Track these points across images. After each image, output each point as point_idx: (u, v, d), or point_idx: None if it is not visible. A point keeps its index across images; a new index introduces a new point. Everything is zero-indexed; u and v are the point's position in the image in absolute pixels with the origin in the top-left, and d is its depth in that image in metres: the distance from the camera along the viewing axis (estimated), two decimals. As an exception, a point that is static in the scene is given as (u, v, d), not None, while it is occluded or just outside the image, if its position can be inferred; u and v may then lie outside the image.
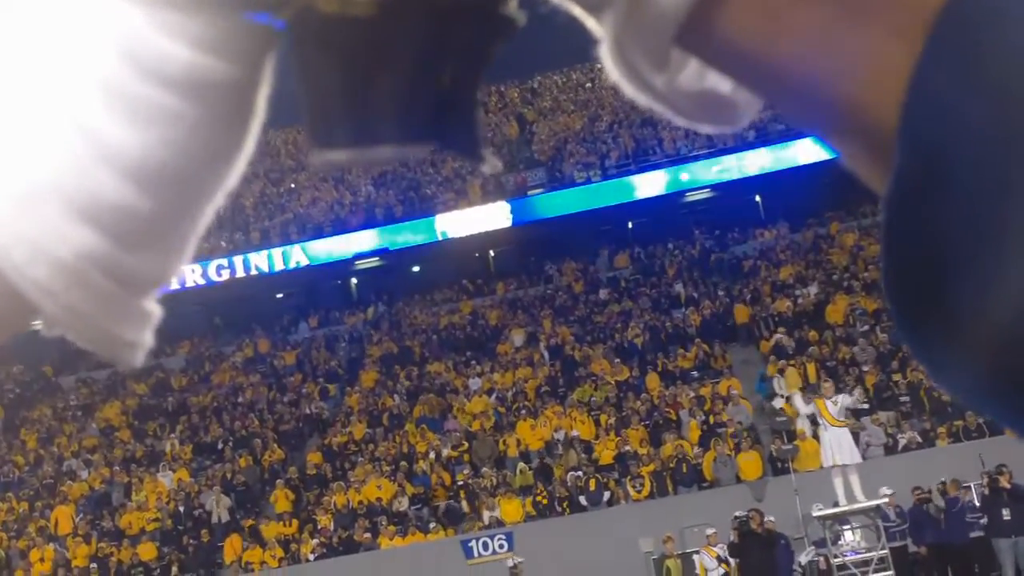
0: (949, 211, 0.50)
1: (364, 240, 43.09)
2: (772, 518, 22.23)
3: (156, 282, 0.78)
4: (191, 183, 0.75)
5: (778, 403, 26.72)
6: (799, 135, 37.52)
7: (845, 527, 22.61)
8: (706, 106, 0.69)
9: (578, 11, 0.68)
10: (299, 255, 43.00)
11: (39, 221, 0.71)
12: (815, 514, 22.35)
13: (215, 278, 41.80)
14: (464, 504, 28.51)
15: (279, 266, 42.88)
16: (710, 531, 23.04)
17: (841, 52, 0.57)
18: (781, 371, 29.76)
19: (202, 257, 40.19)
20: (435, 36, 0.67)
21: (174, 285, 0.80)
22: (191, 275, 40.62)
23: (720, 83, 0.68)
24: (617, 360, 33.40)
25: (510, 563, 23.75)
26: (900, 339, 0.52)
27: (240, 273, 42.54)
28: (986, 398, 0.51)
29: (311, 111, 0.69)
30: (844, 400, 22.62)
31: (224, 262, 42.33)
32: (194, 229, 0.78)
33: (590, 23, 0.68)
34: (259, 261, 42.84)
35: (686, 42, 0.64)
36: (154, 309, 0.79)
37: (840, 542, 22.47)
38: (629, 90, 0.68)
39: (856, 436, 23.64)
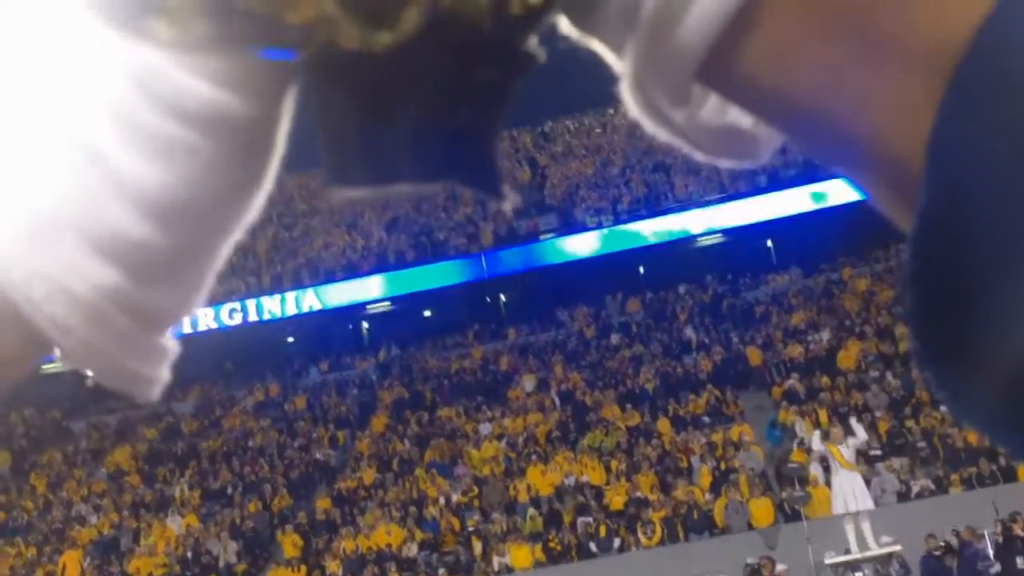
0: (973, 250, 0.50)
1: (378, 285, 43.15)
2: (784, 566, 22.07)
3: (173, 318, 0.77)
4: (209, 219, 0.75)
5: (806, 442, 26.23)
6: (811, 180, 37.69)
7: (856, 574, 22.42)
8: (727, 141, 0.69)
9: (598, 48, 0.68)
10: (312, 299, 43.04)
11: (56, 256, 0.71)
12: (827, 562, 22.18)
13: (227, 322, 41.84)
14: (477, 547, 28.31)
15: (291, 310, 42.92)
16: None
17: (859, 90, 0.57)
18: (802, 414, 29.62)
19: (215, 301, 40.28)
20: (455, 73, 0.67)
21: (187, 329, 0.80)
22: (204, 319, 40.69)
23: (741, 118, 0.68)
24: (628, 405, 33.30)
25: None
26: (923, 382, 0.52)
27: (252, 317, 42.59)
28: (1009, 433, 0.52)
29: (330, 148, 0.68)
30: (854, 441, 22.51)
31: (237, 306, 42.40)
32: (211, 265, 0.78)
33: (610, 60, 0.68)
34: (272, 305, 42.88)
35: (706, 78, 0.64)
36: (171, 345, 0.79)
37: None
38: (649, 126, 0.68)
39: (869, 482, 23.51)
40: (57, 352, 0.75)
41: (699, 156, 0.72)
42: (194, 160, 0.71)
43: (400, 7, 0.62)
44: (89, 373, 0.76)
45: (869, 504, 22.31)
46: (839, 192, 37.91)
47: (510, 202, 0.74)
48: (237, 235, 0.78)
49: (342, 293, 43.23)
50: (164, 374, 0.79)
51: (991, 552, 21.52)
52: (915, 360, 0.55)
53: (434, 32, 0.64)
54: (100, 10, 0.68)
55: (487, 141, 0.70)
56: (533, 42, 0.69)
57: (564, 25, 0.69)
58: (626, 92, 0.67)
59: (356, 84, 0.67)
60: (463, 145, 0.69)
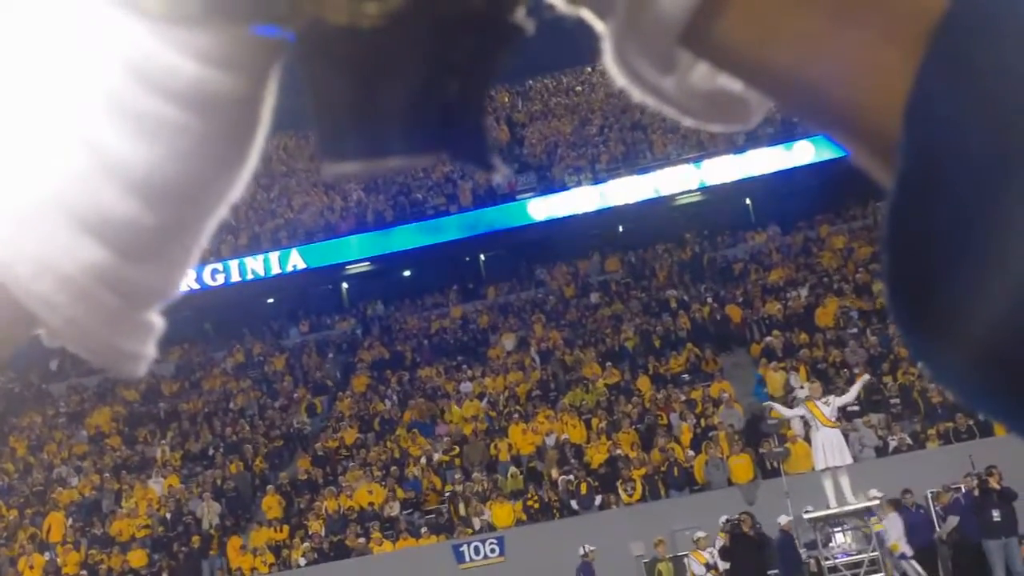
0: (947, 216, 0.51)
1: (366, 244, 43.04)
2: (787, 517, 22.19)
3: (160, 295, 0.78)
4: (196, 196, 0.75)
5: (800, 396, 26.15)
6: (789, 138, 37.70)
7: (835, 529, 22.62)
8: (717, 106, 0.70)
9: (585, 15, 0.68)
10: (296, 259, 42.90)
11: (43, 235, 0.71)
12: (806, 516, 22.36)
13: (210, 282, 41.69)
14: (460, 507, 28.43)
15: (275, 270, 42.78)
16: (699, 535, 23.03)
17: (837, 59, 0.58)
18: (795, 369, 29.75)
19: (196, 262, 40.05)
20: (443, 46, 0.67)
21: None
22: (185, 280, 40.48)
23: (731, 82, 0.68)
24: (608, 364, 33.40)
25: (582, 551, 23.60)
26: (900, 338, 0.54)
27: (235, 277, 42.45)
28: (982, 395, 0.53)
29: (321, 123, 0.68)
30: (836, 401, 22.64)
31: (219, 266, 42.24)
32: (197, 241, 0.78)
33: (597, 26, 0.68)
34: (255, 265, 42.72)
35: (690, 45, 0.64)
36: (156, 321, 0.79)
37: (831, 544, 22.48)
38: (636, 93, 0.68)
39: (847, 438, 23.67)
40: (43, 330, 0.76)
41: (688, 122, 0.72)
42: (182, 138, 0.71)
43: None
44: (75, 350, 0.76)
45: (848, 460, 22.48)
46: (816, 150, 37.99)
47: (500, 174, 0.74)
48: (223, 211, 0.78)
49: (326, 253, 43.10)
50: (150, 350, 0.79)
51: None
52: (892, 321, 0.56)
53: (421, 5, 0.64)
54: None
55: (475, 113, 0.71)
56: (520, 13, 0.69)
57: None
58: (610, 62, 0.67)
59: (345, 59, 0.67)
60: (452, 117, 0.69)
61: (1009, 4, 0.52)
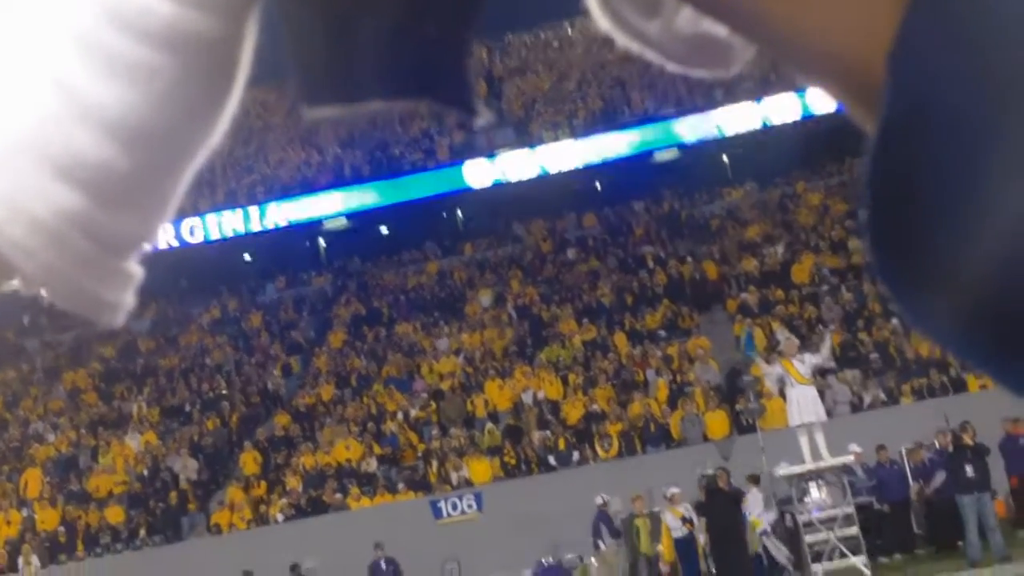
0: (931, 162, 0.51)
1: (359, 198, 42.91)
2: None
3: (137, 242, 0.77)
4: (172, 141, 0.74)
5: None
6: (766, 94, 37.65)
7: (811, 484, 22.76)
8: (701, 50, 0.69)
9: None
10: (276, 215, 42.71)
11: (16, 179, 0.70)
12: (780, 473, 22.49)
13: (186, 238, 41.52)
14: (437, 463, 28.51)
15: (255, 227, 42.59)
16: (673, 491, 23.14)
17: (825, 5, 0.58)
18: (783, 321, 29.82)
19: (173, 217, 39.88)
20: None
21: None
22: (163, 236, 40.30)
23: (715, 27, 0.67)
24: (585, 320, 33.47)
25: (599, 500, 23.66)
26: (876, 294, 0.54)
27: (215, 234, 42.28)
28: (964, 344, 0.53)
29: (299, 67, 0.68)
30: (811, 359, 22.71)
31: (196, 221, 42.03)
32: (175, 189, 0.77)
33: None
34: (234, 222, 42.52)
35: None
36: (135, 270, 0.78)
37: (806, 499, 22.62)
38: (620, 39, 0.67)
39: (822, 394, 23.78)
40: (18, 278, 0.75)
41: (671, 66, 0.71)
42: (158, 81, 0.70)
43: None
44: (51, 298, 0.75)
45: (822, 416, 22.58)
46: (793, 106, 37.98)
47: (483, 117, 0.73)
48: (201, 158, 0.77)
49: (306, 208, 42.92)
50: (128, 299, 0.78)
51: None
52: (871, 271, 0.56)
53: None
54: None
55: (457, 56, 0.69)
56: None
57: None
58: (594, 5, 0.66)
59: (320, 2, 0.66)
60: (433, 60, 0.68)
61: None
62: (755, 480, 22.75)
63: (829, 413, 23.74)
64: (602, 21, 0.66)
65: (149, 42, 0.69)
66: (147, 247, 0.78)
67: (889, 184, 0.54)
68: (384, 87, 0.67)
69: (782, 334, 28.31)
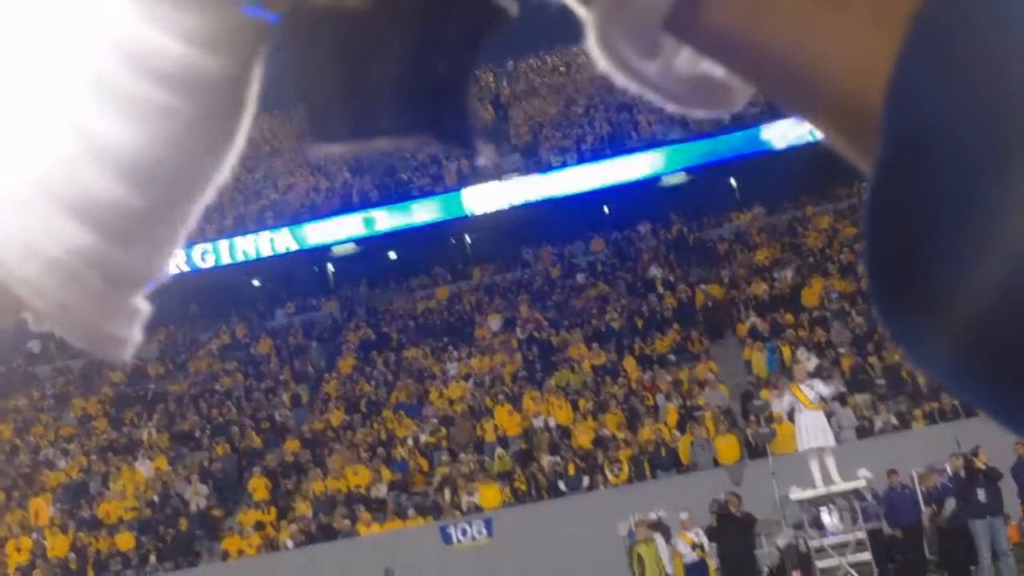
0: (928, 200, 0.51)
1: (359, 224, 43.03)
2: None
3: (147, 278, 0.77)
4: (182, 179, 0.74)
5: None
6: (774, 118, 37.68)
7: (823, 509, 22.69)
8: (701, 91, 0.69)
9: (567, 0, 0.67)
10: (287, 240, 42.87)
11: (31, 218, 0.71)
12: (793, 497, 22.44)
13: (197, 264, 41.67)
14: (447, 489, 28.46)
15: (266, 252, 42.75)
16: (683, 516, 23.08)
17: (825, 41, 0.58)
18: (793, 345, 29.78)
19: (186, 243, 40.10)
20: (428, 27, 0.67)
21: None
22: (174, 263, 40.48)
23: (714, 67, 0.68)
24: (594, 344, 33.45)
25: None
26: (880, 321, 0.54)
27: (224, 259, 42.43)
28: (961, 379, 0.52)
29: (307, 104, 0.68)
30: (820, 387, 22.71)
31: (208, 247, 42.20)
32: (184, 224, 0.78)
33: (579, 11, 0.67)
34: (246, 246, 42.70)
35: (675, 29, 0.64)
36: (143, 306, 0.79)
37: (825, 522, 22.52)
38: (619, 78, 0.68)
39: (830, 419, 23.74)
40: (30, 313, 0.75)
41: (671, 107, 0.71)
42: (168, 121, 0.70)
43: None
44: (62, 334, 0.76)
45: (831, 441, 22.56)
46: (800, 130, 37.99)
47: (485, 157, 0.74)
48: (211, 192, 0.78)
49: (320, 232, 43.08)
50: (136, 334, 0.79)
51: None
52: (873, 303, 0.56)
53: None
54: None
55: (460, 95, 0.70)
56: None
57: None
58: (593, 46, 0.66)
59: (330, 39, 0.67)
60: (438, 99, 0.69)
61: None
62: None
63: (837, 438, 23.70)
64: (601, 61, 0.67)
65: (162, 83, 0.69)
66: (155, 282, 0.79)
67: (887, 220, 0.53)
68: (390, 124, 0.68)
69: (803, 354, 28.30)
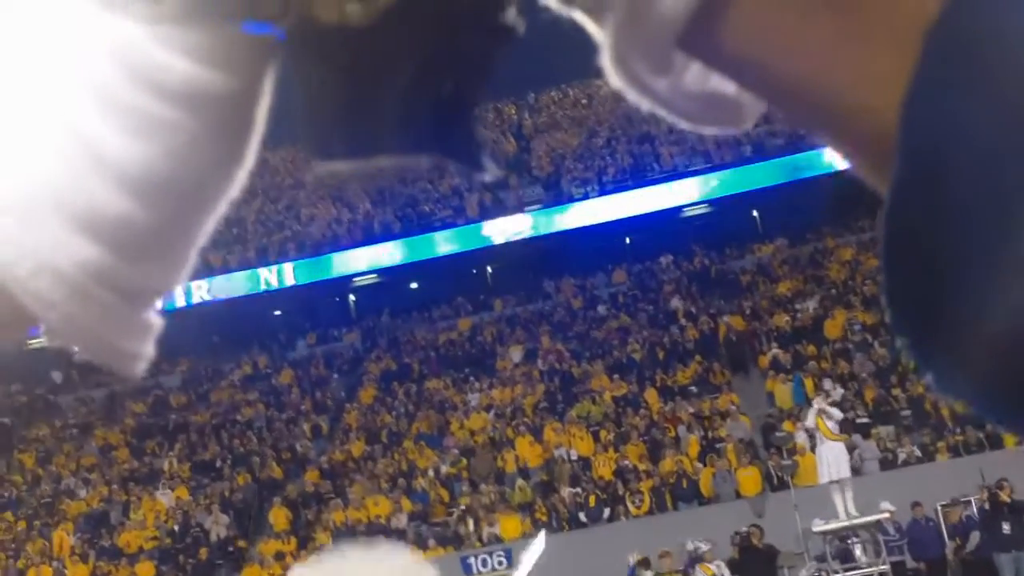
0: (944, 222, 0.50)
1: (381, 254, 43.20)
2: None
3: (157, 293, 0.78)
4: (191, 195, 0.75)
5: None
6: (796, 150, 37.67)
7: (850, 542, 22.51)
8: (712, 108, 0.69)
9: (578, 16, 0.68)
10: (309, 271, 43.10)
11: (40, 232, 0.71)
12: (816, 529, 22.29)
13: (218, 295, 41.82)
14: (468, 519, 28.35)
15: (288, 282, 42.92)
16: (705, 548, 22.94)
17: (843, 66, 0.57)
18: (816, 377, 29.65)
19: (206, 273, 40.36)
20: (434, 46, 0.67)
21: (179, 302, 0.81)
22: (197, 292, 40.73)
23: (724, 84, 0.68)
24: (616, 376, 33.37)
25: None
26: (901, 348, 0.53)
27: (243, 290, 42.58)
28: (988, 406, 0.52)
29: (311, 122, 0.69)
30: (837, 414, 22.63)
31: (228, 278, 42.38)
32: (195, 241, 0.78)
33: (590, 28, 0.68)
34: (268, 277, 42.88)
35: (687, 47, 0.64)
36: (155, 320, 0.79)
37: (853, 559, 22.31)
38: (632, 96, 0.68)
39: (852, 451, 23.62)
40: (42, 328, 0.76)
41: (683, 124, 0.72)
42: (176, 136, 0.71)
43: None
44: (74, 348, 0.77)
45: (846, 472, 22.44)
46: (823, 161, 37.99)
47: (490, 174, 0.74)
48: (220, 210, 0.78)
49: (342, 263, 43.23)
50: (149, 350, 0.79)
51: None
52: (894, 332, 0.55)
53: (412, 4, 0.64)
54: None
55: (468, 114, 0.70)
56: (511, 14, 0.68)
57: None
58: (607, 62, 0.67)
59: (336, 57, 0.67)
60: (444, 118, 0.69)
61: (1003, 5, 0.50)
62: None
63: (855, 470, 23.55)
64: (614, 79, 0.67)
65: (168, 99, 0.70)
66: (168, 297, 0.79)
67: (904, 247, 0.53)
68: (396, 144, 0.68)
69: (828, 384, 28.18)
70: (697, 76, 0.67)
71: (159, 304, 0.79)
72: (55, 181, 0.71)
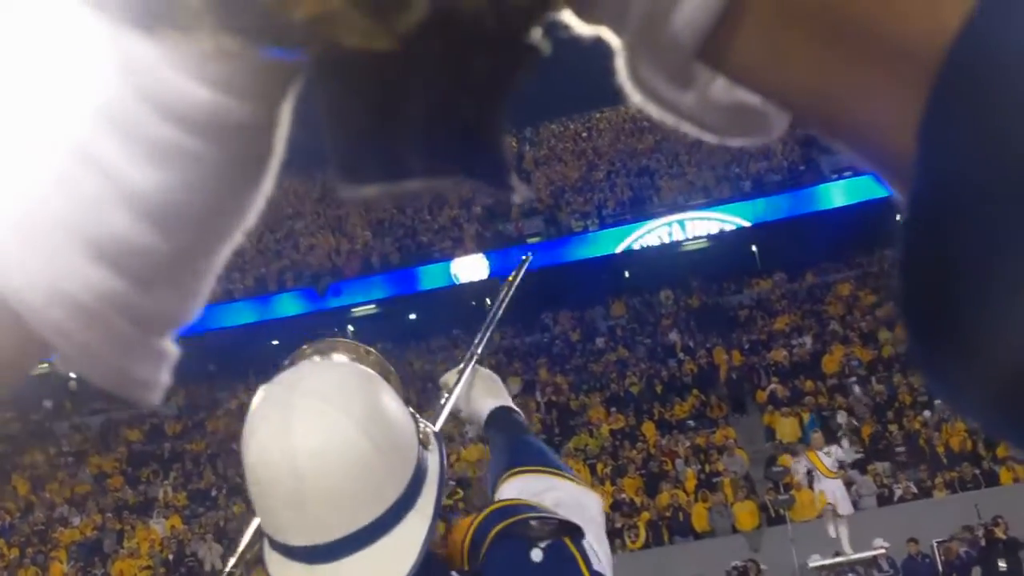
0: (960, 241, 0.50)
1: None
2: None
3: (174, 322, 0.78)
4: (209, 223, 0.75)
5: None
6: (796, 187, 37.80)
7: (848, 577, 22.46)
8: (738, 120, 0.69)
9: (603, 32, 0.67)
10: (309, 300, 43.21)
11: (56, 261, 0.71)
12: (812, 565, 22.22)
13: (217, 323, 41.85)
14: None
15: (286, 311, 42.97)
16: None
17: (850, 85, 0.58)
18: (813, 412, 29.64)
19: (218, 301, 40.44)
20: (459, 67, 0.67)
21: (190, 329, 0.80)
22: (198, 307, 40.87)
23: (750, 96, 0.67)
24: (613, 409, 33.31)
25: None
26: (915, 366, 0.53)
27: (243, 319, 42.64)
28: (1001, 424, 0.52)
29: (337, 146, 0.68)
30: (837, 452, 22.60)
31: (227, 307, 42.42)
32: (211, 269, 0.78)
33: (614, 42, 0.67)
34: (261, 307, 42.94)
35: (706, 61, 0.64)
36: (171, 349, 0.79)
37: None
38: (655, 112, 0.68)
39: (849, 487, 23.58)
40: (57, 356, 0.75)
41: (709, 138, 0.71)
42: (194, 165, 0.71)
43: (403, 1, 0.62)
44: (89, 377, 0.76)
45: (848, 509, 22.39)
46: (821, 197, 38.13)
47: (519, 195, 0.74)
48: (237, 239, 0.78)
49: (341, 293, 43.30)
50: (164, 378, 0.79)
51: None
52: (909, 355, 0.54)
53: (436, 26, 0.64)
54: (101, 11, 0.68)
55: (495, 135, 0.70)
56: (537, 34, 0.68)
57: (566, 16, 0.68)
58: (625, 80, 0.66)
59: (361, 82, 0.67)
60: (471, 140, 0.69)
61: (1016, 31, 0.50)
62: None
63: (855, 506, 23.52)
64: (634, 96, 0.67)
65: (188, 128, 0.70)
66: (183, 326, 0.79)
67: (919, 264, 0.53)
68: (422, 166, 0.68)
69: (842, 418, 28.17)
70: (723, 88, 0.67)
71: (175, 331, 0.79)
72: (71, 209, 0.71)
